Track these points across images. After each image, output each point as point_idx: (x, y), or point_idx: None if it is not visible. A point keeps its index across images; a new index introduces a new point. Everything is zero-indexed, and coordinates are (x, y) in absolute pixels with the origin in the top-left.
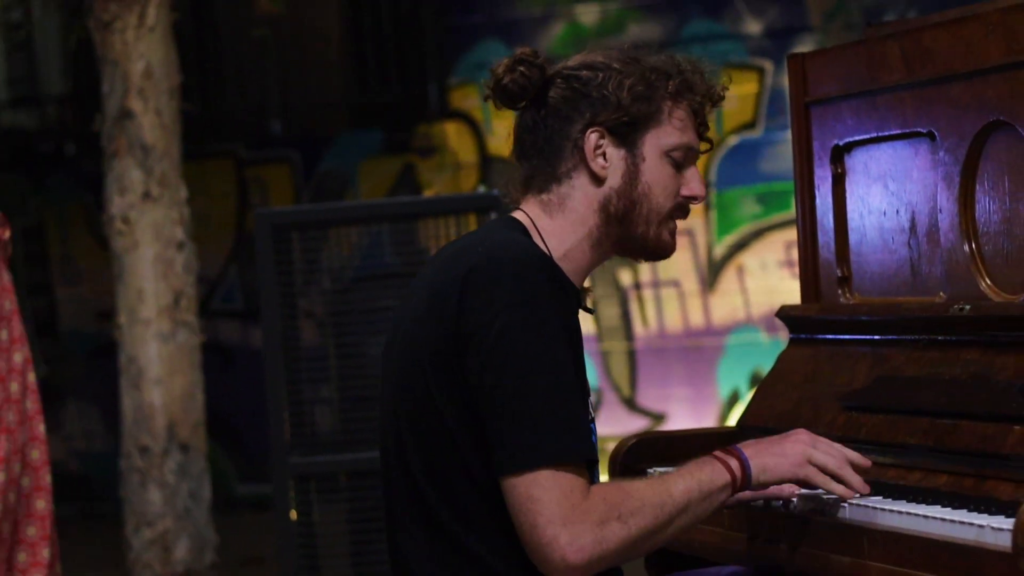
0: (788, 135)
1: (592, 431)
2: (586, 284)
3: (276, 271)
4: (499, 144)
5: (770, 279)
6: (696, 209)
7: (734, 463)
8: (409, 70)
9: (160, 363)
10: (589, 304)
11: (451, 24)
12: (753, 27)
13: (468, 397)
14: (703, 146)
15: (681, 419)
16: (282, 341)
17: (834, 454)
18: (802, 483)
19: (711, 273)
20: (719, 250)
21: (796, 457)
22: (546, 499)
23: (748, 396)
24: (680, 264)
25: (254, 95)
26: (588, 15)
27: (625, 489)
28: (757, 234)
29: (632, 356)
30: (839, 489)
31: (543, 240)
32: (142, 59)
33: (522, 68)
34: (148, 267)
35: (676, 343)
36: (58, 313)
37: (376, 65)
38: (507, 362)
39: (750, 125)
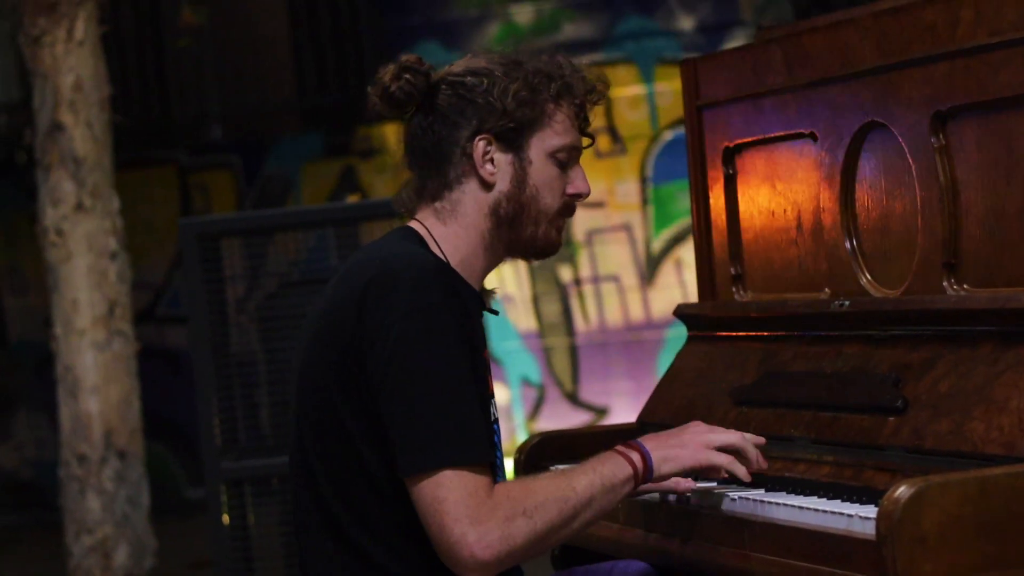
0: None
1: (495, 432)
2: (489, 285)
3: (203, 279)
4: None
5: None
6: (633, 204)
7: (635, 456)
8: (348, 73)
9: (96, 372)
10: (492, 304)
11: (389, 26)
12: (686, 23)
13: (368, 405)
14: (585, 142)
15: (624, 412)
16: (211, 348)
17: (732, 432)
18: (704, 470)
19: (649, 267)
20: (657, 244)
21: (695, 445)
22: (451, 499)
23: None
24: (619, 259)
25: (194, 102)
26: (523, 15)
27: (529, 485)
28: None
29: (574, 351)
30: (740, 470)
31: (439, 247)
32: (71, 72)
33: (407, 75)
34: (82, 277)
35: (617, 337)
36: (6, 323)
37: (315, 68)
38: (404, 370)
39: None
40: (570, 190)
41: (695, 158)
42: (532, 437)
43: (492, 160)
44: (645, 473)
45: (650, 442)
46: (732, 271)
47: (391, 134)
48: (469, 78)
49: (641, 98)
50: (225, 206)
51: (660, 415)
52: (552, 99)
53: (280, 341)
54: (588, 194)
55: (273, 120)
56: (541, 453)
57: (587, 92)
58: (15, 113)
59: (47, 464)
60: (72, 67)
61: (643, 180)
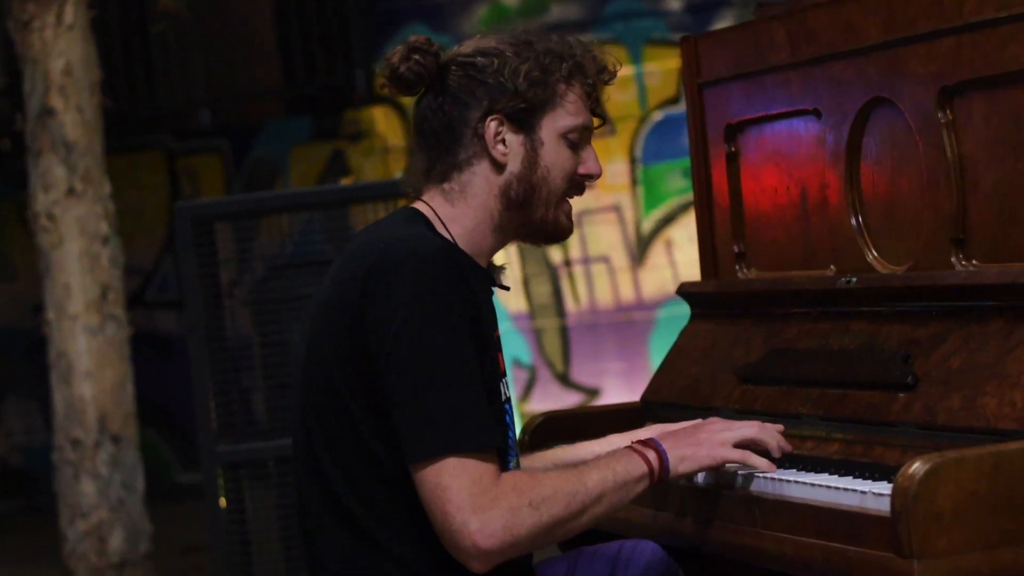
0: None
1: (508, 412)
2: (499, 261)
3: (198, 263)
4: None
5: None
6: (623, 184)
7: (652, 455)
8: (336, 56)
9: (89, 357)
10: (504, 281)
11: (376, 9)
12: (674, 3)
13: (372, 391)
14: (596, 122)
15: (615, 393)
16: (206, 331)
17: (749, 425)
18: (720, 467)
19: (640, 248)
20: (647, 225)
21: (712, 443)
22: (455, 486)
23: None
24: (609, 239)
25: (182, 87)
26: None
27: (537, 477)
28: (684, 208)
29: (564, 332)
30: (761, 462)
31: (446, 228)
32: (62, 57)
33: (417, 56)
34: (74, 262)
35: (607, 318)
36: None
37: (303, 52)
38: (408, 355)
39: (674, 100)
40: (582, 170)
41: (696, 136)
42: (536, 417)
43: (504, 141)
44: (661, 473)
45: (667, 441)
46: (735, 249)
47: (380, 118)
48: (480, 58)
49: (629, 79)
50: (214, 191)
51: (664, 394)
52: (563, 79)
53: (273, 324)
54: (600, 175)
55: (261, 104)
56: (546, 433)
57: (598, 72)
58: None
59: (36, 451)
60: (62, 52)
61: (632, 161)
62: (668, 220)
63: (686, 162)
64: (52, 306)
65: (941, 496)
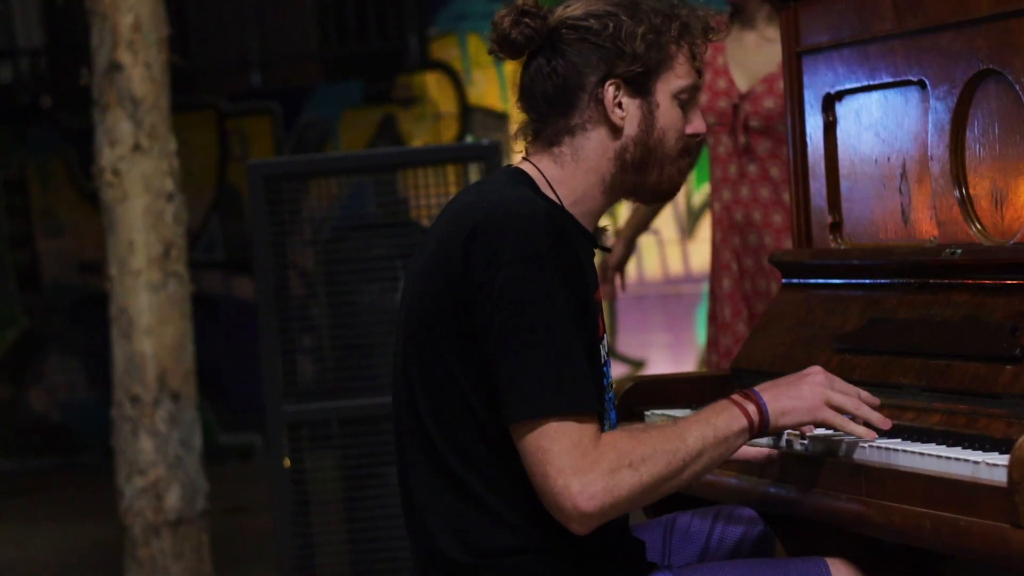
0: None
1: (605, 375)
2: (603, 224)
3: (269, 222)
4: (479, 94)
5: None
6: None
7: (751, 408)
8: (389, 21)
9: (151, 313)
10: (607, 243)
11: None
12: None
13: (473, 350)
14: (700, 81)
15: (660, 365)
16: (275, 292)
17: (851, 393)
18: (820, 425)
19: (690, 221)
20: (698, 198)
21: (814, 400)
22: (555, 449)
23: None
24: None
25: (234, 47)
26: None
27: (637, 436)
28: None
29: (612, 304)
30: (860, 430)
31: (553, 190)
32: (131, 12)
33: (527, 20)
34: (138, 218)
35: (655, 290)
36: (40, 266)
37: (355, 16)
38: (508, 316)
39: None
40: (690, 130)
41: (793, 104)
42: (624, 381)
43: (621, 104)
44: (761, 426)
45: (767, 393)
46: (829, 219)
47: (431, 83)
48: (592, 21)
49: None
50: (263, 152)
51: (756, 361)
52: (674, 40)
53: (339, 286)
54: (706, 133)
55: (312, 67)
56: (635, 399)
57: (704, 30)
58: (38, 58)
59: (78, 407)
60: (131, 7)
61: None
62: None
63: None
64: (115, 262)
65: None
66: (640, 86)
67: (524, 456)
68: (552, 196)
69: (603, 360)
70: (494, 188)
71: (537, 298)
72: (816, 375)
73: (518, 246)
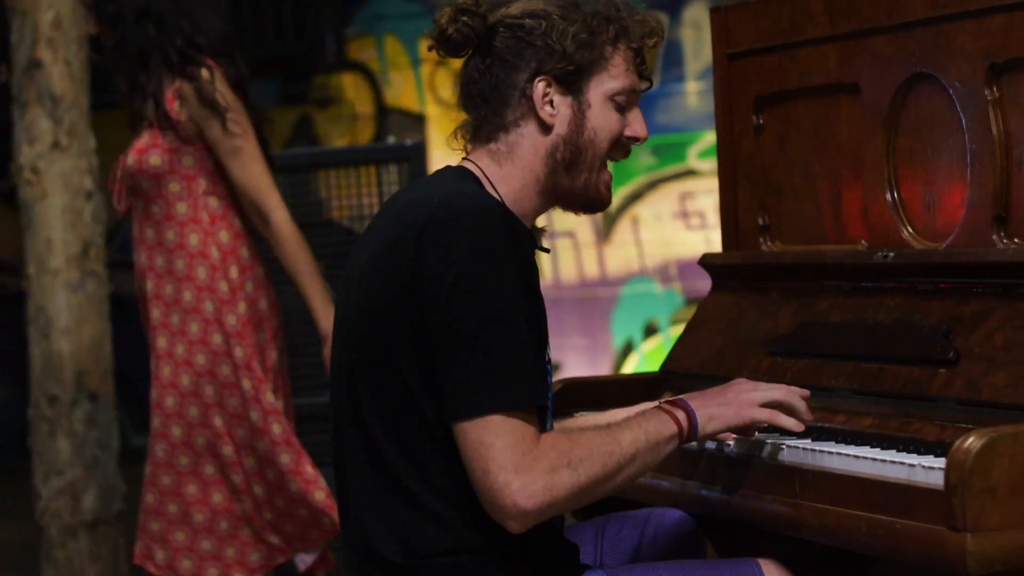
0: (683, 87)
1: (548, 373)
2: (539, 224)
3: None
4: (396, 96)
5: (664, 230)
6: None
7: (681, 414)
8: (306, 21)
9: (69, 312)
10: (544, 244)
11: None
12: None
13: (422, 344)
14: (643, 85)
15: (576, 368)
16: None
17: (776, 387)
18: (748, 427)
19: (606, 224)
20: (614, 201)
21: (739, 402)
22: (498, 445)
23: (641, 346)
24: (575, 215)
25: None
26: None
27: (574, 437)
28: (652, 185)
29: None
30: (789, 422)
31: (494, 188)
32: (51, 9)
33: (465, 18)
34: (57, 217)
35: (571, 294)
36: None
37: (273, 16)
38: (461, 310)
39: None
40: (628, 132)
41: (722, 107)
42: (555, 383)
43: (551, 102)
44: (690, 432)
45: (695, 400)
46: (759, 222)
47: (348, 84)
48: (528, 20)
49: None
50: None
51: (687, 364)
52: (610, 42)
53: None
54: (646, 138)
55: None
56: (565, 400)
57: (644, 35)
58: None
59: None
60: (52, 4)
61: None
62: (635, 197)
63: (655, 140)
64: (33, 260)
65: (997, 470)
66: (571, 85)
67: (465, 451)
68: (494, 194)
69: (547, 358)
70: (441, 185)
71: (491, 293)
72: (741, 382)
73: (473, 240)
